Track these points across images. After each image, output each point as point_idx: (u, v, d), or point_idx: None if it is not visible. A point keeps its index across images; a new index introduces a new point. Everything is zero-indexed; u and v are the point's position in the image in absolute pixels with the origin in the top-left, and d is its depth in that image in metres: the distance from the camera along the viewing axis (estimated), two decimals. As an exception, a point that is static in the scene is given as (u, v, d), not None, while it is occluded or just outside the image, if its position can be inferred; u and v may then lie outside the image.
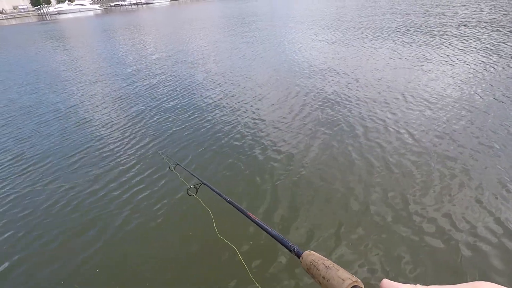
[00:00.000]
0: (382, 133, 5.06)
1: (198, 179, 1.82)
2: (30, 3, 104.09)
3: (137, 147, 5.44)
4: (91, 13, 79.92)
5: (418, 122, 5.32)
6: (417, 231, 3.09)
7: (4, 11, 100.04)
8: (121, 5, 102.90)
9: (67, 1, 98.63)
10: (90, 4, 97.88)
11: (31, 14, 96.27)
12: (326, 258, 0.53)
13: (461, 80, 7.03)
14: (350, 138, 5.00)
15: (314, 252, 0.56)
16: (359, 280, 0.45)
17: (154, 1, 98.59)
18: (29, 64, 15.38)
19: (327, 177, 4.09)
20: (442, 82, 7.03)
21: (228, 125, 5.91)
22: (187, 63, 11.81)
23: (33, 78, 12.05)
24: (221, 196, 1.30)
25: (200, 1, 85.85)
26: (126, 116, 6.98)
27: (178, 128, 6.08)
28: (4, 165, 5.29)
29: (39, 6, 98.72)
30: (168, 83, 9.29)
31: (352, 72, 8.41)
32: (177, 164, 3.30)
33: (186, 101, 7.55)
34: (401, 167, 4.14)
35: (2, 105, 8.87)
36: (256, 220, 0.80)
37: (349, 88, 7.25)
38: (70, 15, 77.66)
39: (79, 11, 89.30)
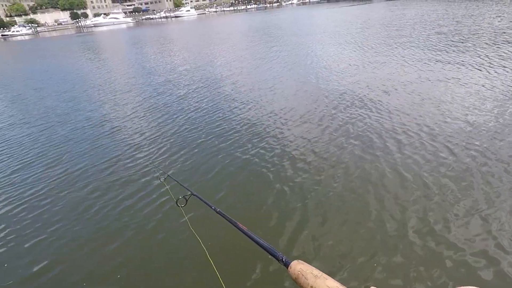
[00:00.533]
0: (418, 149, 4.79)
1: (189, 190, 1.82)
2: (70, 16, 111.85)
3: (161, 157, 5.51)
4: (124, 25, 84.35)
5: (458, 138, 4.99)
6: (462, 263, 2.80)
7: (46, 24, 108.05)
8: (152, 18, 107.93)
9: (102, 15, 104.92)
10: (124, 17, 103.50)
11: (70, 27, 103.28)
12: (314, 268, 0.50)
13: (502, 94, 6.58)
14: (383, 153, 4.77)
15: (303, 262, 0.53)
16: None
17: (182, 15, 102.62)
18: (67, 73, 16.32)
19: (359, 192, 3.89)
20: (481, 96, 6.62)
21: (257, 137, 5.85)
22: (212, 75, 12.01)
23: (70, 86, 12.73)
24: (211, 207, 1.28)
25: (227, 14, 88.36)
26: (149, 126, 7.14)
27: (204, 139, 6.10)
28: (40, 170, 5.52)
29: (77, 20, 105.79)
30: (194, 95, 9.45)
31: (383, 85, 8.14)
32: (167, 175, 3.34)
33: (210, 112, 7.62)
34: (440, 186, 3.86)
35: (42, 112, 9.39)
36: (245, 230, 0.77)
37: (380, 101, 7.00)
38: (104, 28, 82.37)
39: (113, 24, 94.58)
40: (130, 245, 3.42)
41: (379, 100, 7.04)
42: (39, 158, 6.00)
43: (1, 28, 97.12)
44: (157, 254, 3.23)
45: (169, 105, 8.56)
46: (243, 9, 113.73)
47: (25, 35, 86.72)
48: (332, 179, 4.21)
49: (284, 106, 7.37)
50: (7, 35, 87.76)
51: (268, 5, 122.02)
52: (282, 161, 4.84)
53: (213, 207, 1.25)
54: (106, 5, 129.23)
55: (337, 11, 40.98)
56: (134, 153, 5.70)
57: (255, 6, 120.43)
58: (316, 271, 0.50)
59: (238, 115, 7.18)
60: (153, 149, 5.76)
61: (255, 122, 6.63)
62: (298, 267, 0.52)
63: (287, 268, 0.56)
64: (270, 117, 6.81)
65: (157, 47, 24.03)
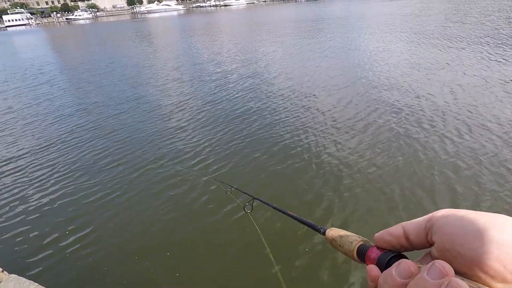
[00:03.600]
0: (471, 167, 3.88)
1: (250, 195, 1.65)
2: (126, 2, 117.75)
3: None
4: (175, 13, 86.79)
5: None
6: None
7: (105, 9, 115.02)
8: (202, 6, 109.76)
9: (156, 1, 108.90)
10: (175, 4, 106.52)
11: (125, 13, 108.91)
12: (342, 230, 0.56)
13: None
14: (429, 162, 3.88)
15: (335, 228, 0.58)
16: (366, 239, 0.48)
17: (231, 4, 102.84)
18: (124, 60, 16.74)
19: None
20: None
21: (296, 139, 5.15)
22: (262, 71, 11.35)
23: (126, 75, 12.92)
24: (268, 205, 1.22)
25: (276, 4, 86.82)
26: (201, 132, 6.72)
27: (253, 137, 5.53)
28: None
29: (133, 6, 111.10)
30: (236, 94, 8.90)
31: (430, 87, 7.04)
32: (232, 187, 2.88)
33: (258, 115, 7.00)
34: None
35: (115, 96, 9.50)
36: (293, 215, 0.83)
37: (430, 106, 6.17)
38: (157, 14, 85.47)
39: (165, 11, 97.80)
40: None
41: (428, 105, 6.04)
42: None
43: (66, 12, 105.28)
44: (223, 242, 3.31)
45: (217, 104, 8.11)
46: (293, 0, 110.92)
47: (86, 19, 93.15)
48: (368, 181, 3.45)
49: (342, 113, 6.53)
50: (71, 18, 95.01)
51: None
52: (326, 163, 4.58)
53: (270, 204, 1.18)
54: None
55: (395, 5, 37.93)
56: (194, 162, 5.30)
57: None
58: (343, 232, 0.55)
59: (286, 118, 6.56)
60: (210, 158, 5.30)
61: (303, 124, 6.02)
62: (330, 233, 0.57)
63: (325, 236, 0.60)
64: (321, 122, 6.05)
65: (207, 37, 23.93)
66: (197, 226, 3.64)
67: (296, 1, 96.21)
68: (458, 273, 0.31)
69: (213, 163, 4.92)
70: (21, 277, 2.09)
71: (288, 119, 6.49)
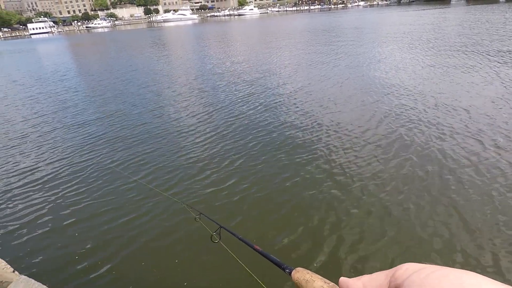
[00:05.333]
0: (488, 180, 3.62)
1: (217, 223, 1.66)
2: (143, 12, 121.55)
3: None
4: (190, 22, 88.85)
5: None
6: None
7: (123, 18, 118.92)
8: (216, 16, 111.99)
9: (172, 11, 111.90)
10: (190, 14, 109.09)
11: (142, 21, 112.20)
12: (309, 272, 0.53)
13: None
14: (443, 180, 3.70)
15: (300, 269, 0.56)
16: (333, 284, 0.46)
17: (245, 13, 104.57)
18: (138, 67, 17.22)
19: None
20: None
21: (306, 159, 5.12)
22: (269, 84, 11.45)
23: (136, 81, 13.28)
24: (235, 236, 1.21)
25: (289, 14, 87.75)
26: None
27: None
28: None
29: (149, 15, 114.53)
30: (243, 104, 8.98)
31: (449, 101, 6.76)
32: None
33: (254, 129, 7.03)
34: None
35: (127, 105, 9.78)
36: (259, 250, 0.81)
37: (446, 119, 5.75)
38: (172, 23, 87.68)
39: (181, 20, 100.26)
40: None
41: (445, 118, 5.77)
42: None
43: (87, 21, 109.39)
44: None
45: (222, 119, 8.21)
46: (306, 9, 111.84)
47: (105, 27, 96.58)
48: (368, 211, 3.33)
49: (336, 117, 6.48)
50: (90, 27, 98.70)
51: (332, 6, 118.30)
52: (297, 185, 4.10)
53: (236, 235, 1.21)
54: (176, 2, 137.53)
55: (412, 15, 37.71)
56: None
57: (319, 6, 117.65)
58: (309, 275, 0.53)
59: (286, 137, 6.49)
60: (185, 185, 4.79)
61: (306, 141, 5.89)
62: (296, 275, 0.55)
63: (291, 276, 0.57)
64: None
65: (221, 46, 24.36)
66: (165, 252, 3.42)
67: (309, 11, 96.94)
68: None
69: (186, 186, 4.63)
70: (31, 279, 2.17)
71: (276, 144, 5.88)
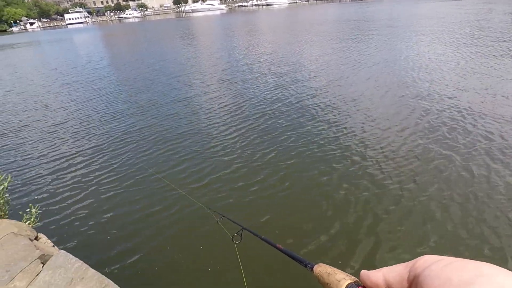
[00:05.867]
0: None
1: (239, 225, 1.59)
2: (173, 1, 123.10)
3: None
4: (218, 12, 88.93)
5: None
6: None
7: (153, 8, 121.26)
8: (244, 6, 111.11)
9: (200, 1, 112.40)
10: (218, 4, 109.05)
11: (171, 11, 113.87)
12: (330, 266, 0.54)
13: None
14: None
15: (322, 264, 0.57)
16: (355, 278, 0.46)
17: (273, 3, 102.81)
18: (166, 57, 17.50)
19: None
20: None
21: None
22: (297, 73, 11.13)
23: (183, 67, 13.48)
24: (258, 236, 1.19)
25: (318, 4, 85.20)
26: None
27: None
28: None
29: (178, 5, 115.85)
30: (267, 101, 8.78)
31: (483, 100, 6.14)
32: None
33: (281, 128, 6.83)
34: None
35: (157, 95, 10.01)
36: (280, 247, 0.83)
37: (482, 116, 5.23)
38: (200, 13, 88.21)
39: (209, 10, 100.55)
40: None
41: (481, 116, 5.24)
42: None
43: (118, 11, 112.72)
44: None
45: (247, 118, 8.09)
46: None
47: (135, 17, 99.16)
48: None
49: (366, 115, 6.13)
50: (122, 17, 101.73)
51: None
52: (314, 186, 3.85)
53: (259, 236, 1.18)
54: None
55: (453, 6, 35.27)
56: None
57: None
58: (331, 269, 0.53)
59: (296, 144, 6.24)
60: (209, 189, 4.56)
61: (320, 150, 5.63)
62: (318, 269, 0.55)
63: (312, 272, 0.58)
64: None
65: (249, 36, 24.14)
66: (184, 251, 3.42)
67: (340, 1, 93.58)
68: None
69: (211, 189, 4.50)
70: (69, 254, 2.25)
71: (299, 146, 5.54)
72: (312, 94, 8.22)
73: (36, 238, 2.73)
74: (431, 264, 0.34)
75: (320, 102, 7.52)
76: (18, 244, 2.43)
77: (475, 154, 4.63)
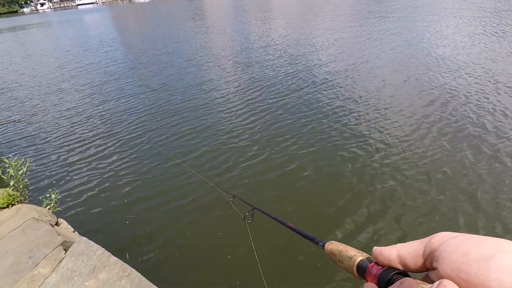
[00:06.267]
0: None
1: (250, 205, 1.62)
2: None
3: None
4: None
5: None
6: None
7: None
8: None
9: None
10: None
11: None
12: (342, 244, 0.54)
13: None
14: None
15: (334, 242, 0.56)
16: (367, 255, 0.46)
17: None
18: (184, 38, 17.21)
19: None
20: None
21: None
22: (316, 56, 10.74)
23: (189, 51, 13.26)
24: (269, 215, 1.21)
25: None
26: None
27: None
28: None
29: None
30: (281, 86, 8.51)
31: None
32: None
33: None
34: None
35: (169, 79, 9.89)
36: (292, 226, 0.84)
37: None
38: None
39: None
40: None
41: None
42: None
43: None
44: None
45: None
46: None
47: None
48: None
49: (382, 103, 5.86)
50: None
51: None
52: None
53: (270, 215, 1.20)
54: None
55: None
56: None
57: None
58: (342, 246, 0.52)
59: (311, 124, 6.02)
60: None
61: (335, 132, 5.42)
62: (329, 247, 0.55)
63: (324, 250, 0.57)
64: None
65: (263, 18, 23.45)
66: (195, 230, 3.49)
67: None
68: None
69: (223, 168, 4.57)
70: (90, 241, 2.24)
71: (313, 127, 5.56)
72: (332, 80, 7.92)
73: (57, 224, 2.75)
74: (448, 239, 0.33)
75: (340, 87, 7.25)
76: (40, 230, 2.44)
77: (509, 144, 4.39)
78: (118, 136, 5.85)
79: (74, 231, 2.84)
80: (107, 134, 6.01)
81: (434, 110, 5.59)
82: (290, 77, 8.31)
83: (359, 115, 5.76)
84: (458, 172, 3.91)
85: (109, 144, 5.56)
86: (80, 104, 7.91)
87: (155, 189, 4.17)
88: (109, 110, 7.30)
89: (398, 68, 8.16)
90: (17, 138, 6.28)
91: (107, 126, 6.38)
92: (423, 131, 4.94)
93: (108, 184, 4.39)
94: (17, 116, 7.52)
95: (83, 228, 3.44)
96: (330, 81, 7.74)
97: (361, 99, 6.45)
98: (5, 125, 7.00)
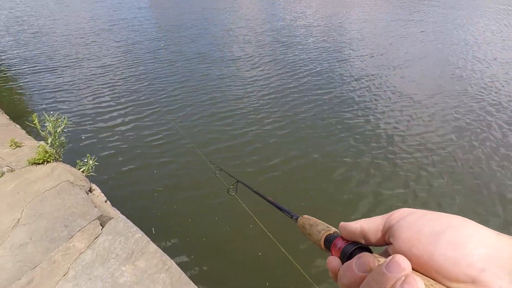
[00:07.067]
0: None
1: (235, 178, 1.63)
2: None
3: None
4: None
5: None
6: None
7: None
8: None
9: None
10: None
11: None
12: (313, 218, 0.57)
13: None
14: None
15: (307, 216, 0.59)
16: (335, 229, 0.49)
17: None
18: (220, 17, 16.54)
19: None
20: None
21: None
22: (352, 45, 10.09)
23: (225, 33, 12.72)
24: (251, 189, 1.23)
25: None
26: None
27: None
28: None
29: None
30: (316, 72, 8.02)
31: None
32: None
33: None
34: None
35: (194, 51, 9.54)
36: (271, 200, 0.86)
37: None
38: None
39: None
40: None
41: None
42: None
43: None
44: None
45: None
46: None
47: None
48: None
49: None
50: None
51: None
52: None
53: (251, 188, 1.22)
54: None
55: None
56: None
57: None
58: (313, 220, 0.55)
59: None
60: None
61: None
62: (301, 221, 0.58)
63: (296, 222, 0.60)
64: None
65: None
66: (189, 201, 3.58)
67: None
68: (414, 271, 0.31)
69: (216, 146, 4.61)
70: (129, 221, 2.12)
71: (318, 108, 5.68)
72: (365, 75, 7.46)
73: (90, 190, 2.64)
74: (406, 216, 0.35)
75: (373, 86, 6.82)
76: (76, 196, 2.32)
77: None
78: (150, 106, 5.58)
79: (106, 201, 2.74)
80: (141, 102, 5.72)
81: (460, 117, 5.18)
82: (328, 71, 7.86)
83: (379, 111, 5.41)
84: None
85: (142, 114, 5.30)
86: (114, 62, 7.65)
87: (157, 159, 4.05)
88: (143, 74, 6.95)
89: (429, 64, 7.57)
90: (50, 89, 6.12)
91: (141, 94, 6.06)
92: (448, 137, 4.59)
93: (138, 152, 4.28)
94: (52, 64, 7.34)
95: (113, 197, 3.35)
96: (355, 74, 7.27)
97: (384, 95, 6.05)
98: (41, 73, 6.82)
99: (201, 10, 14.86)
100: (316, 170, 4.11)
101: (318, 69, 7.48)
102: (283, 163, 4.21)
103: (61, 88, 6.18)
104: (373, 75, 7.23)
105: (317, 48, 9.14)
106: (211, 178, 3.74)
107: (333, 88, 6.55)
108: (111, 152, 4.28)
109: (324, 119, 5.32)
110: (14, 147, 3.04)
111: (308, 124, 5.14)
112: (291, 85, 6.57)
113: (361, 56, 8.58)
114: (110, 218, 2.16)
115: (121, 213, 2.52)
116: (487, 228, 0.30)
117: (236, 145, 4.56)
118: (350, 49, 9.22)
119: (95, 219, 2.11)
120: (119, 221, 2.11)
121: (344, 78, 7.08)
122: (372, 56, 8.54)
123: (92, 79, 6.63)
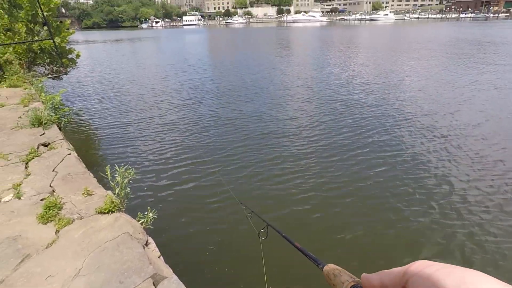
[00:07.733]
0: None
1: (265, 221, 1.57)
2: (276, 11, 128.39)
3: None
4: (318, 24, 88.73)
5: None
6: None
7: (257, 16, 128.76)
8: (345, 19, 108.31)
9: (302, 12, 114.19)
10: (320, 16, 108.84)
11: (273, 20, 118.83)
12: (338, 267, 0.57)
13: None
14: None
15: (332, 264, 0.60)
16: (359, 280, 0.49)
17: (378, 18, 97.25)
18: (271, 65, 17.80)
19: None
20: None
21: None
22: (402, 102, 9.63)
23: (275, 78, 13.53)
24: (280, 233, 1.18)
25: (430, 22, 77.01)
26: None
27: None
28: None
29: (281, 15, 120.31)
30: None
31: None
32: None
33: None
34: None
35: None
36: (298, 246, 0.86)
37: None
38: (300, 24, 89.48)
39: (309, 21, 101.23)
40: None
41: None
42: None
43: (227, 17, 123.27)
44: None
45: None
46: (453, 17, 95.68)
47: (240, 23, 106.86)
48: None
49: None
50: (229, 22, 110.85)
51: (491, 14, 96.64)
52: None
53: (281, 233, 1.17)
54: (308, 3, 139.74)
55: None
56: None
57: (472, 15, 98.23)
58: (337, 270, 0.56)
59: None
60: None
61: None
62: (326, 269, 0.59)
63: (322, 271, 0.62)
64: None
65: (344, 52, 22.96)
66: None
67: (457, 20, 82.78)
68: None
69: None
70: (181, 283, 2.04)
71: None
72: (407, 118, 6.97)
73: (146, 244, 2.67)
74: (423, 269, 0.35)
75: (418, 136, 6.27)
76: (133, 250, 2.34)
77: None
78: (211, 165, 5.74)
79: (160, 256, 2.71)
80: (201, 160, 5.92)
81: None
82: (371, 119, 7.57)
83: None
84: None
85: (204, 175, 5.43)
86: (179, 119, 8.31)
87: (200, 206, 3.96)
88: (205, 132, 7.39)
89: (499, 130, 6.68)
90: (122, 143, 6.79)
91: (201, 151, 6.32)
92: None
93: (192, 212, 4.35)
94: (127, 120, 8.29)
95: (166, 251, 3.34)
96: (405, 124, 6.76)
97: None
98: (116, 128, 7.73)
99: (259, 70, 16.03)
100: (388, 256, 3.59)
101: (383, 128, 7.16)
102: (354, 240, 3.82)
103: (131, 143, 6.82)
104: (449, 135, 6.66)
105: (380, 106, 8.97)
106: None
107: (403, 149, 6.08)
108: (168, 206, 4.42)
109: (396, 187, 4.79)
110: (86, 195, 3.29)
111: (374, 193, 4.65)
112: (355, 145, 6.32)
113: (430, 114, 8.11)
114: (163, 278, 2.10)
115: (174, 271, 2.46)
116: (502, 282, 0.29)
117: (297, 212, 4.34)
118: (417, 106, 8.83)
119: (149, 277, 2.06)
120: (172, 282, 2.04)
121: (415, 138, 6.62)
122: (445, 115, 7.97)
123: (159, 135, 7.24)
